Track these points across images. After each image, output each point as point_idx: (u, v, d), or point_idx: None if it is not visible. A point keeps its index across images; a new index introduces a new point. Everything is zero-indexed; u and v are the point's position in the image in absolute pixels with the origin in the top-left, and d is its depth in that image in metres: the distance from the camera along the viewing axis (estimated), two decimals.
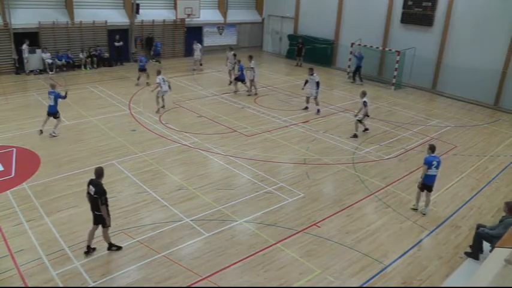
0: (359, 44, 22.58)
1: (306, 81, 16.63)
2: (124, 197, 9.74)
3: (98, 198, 7.35)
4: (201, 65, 23.58)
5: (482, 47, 19.23)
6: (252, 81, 18.66)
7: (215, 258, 7.84)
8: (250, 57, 18.77)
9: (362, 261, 7.98)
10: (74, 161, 11.46)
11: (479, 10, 19.17)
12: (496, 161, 13.04)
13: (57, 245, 7.93)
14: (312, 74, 16.26)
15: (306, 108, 16.97)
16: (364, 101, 14.12)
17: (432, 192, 9.72)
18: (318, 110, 16.61)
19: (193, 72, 22.58)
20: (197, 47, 23.05)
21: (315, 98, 16.49)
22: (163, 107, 16.07)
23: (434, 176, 9.46)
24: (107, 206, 7.45)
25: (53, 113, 13.02)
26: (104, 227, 7.65)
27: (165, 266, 7.54)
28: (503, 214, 8.21)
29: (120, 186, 10.22)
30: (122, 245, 7.98)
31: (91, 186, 7.48)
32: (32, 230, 8.34)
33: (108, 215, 7.52)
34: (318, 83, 16.24)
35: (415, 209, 9.83)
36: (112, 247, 7.88)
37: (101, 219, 7.56)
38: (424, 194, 9.69)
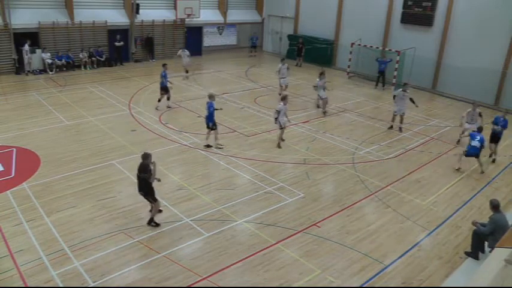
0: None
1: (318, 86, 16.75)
2: (124, 197, 9.73)
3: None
4: (187, 72, 21.32)
5: (482, 47, 19.22)
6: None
7: (215, 258, 7.83)
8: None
9: (362, 261, 7.98)
10: (74, 161, 11.45)
11: (479, 10, 19.17)
12: (496, 161, 13.02)
13: (57, 245, 7.93)
14: (321, 76, 16.51)
15: (321, 109, 17.02)
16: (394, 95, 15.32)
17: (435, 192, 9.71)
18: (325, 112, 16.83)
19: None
20: (184, 53, 21.08)
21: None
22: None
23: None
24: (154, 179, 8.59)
25: (208, 124, 12.56)
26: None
27: (165, 266, 7.54)
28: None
29: (120, 186, 10.21)
30: (159, 223, 8.77)
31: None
32: (32, 230, 8.34)
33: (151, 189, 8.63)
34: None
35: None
36: (151, 222, 8.68)
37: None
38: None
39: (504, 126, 12.72)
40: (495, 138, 12.71)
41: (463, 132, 13.71)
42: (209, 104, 12.49)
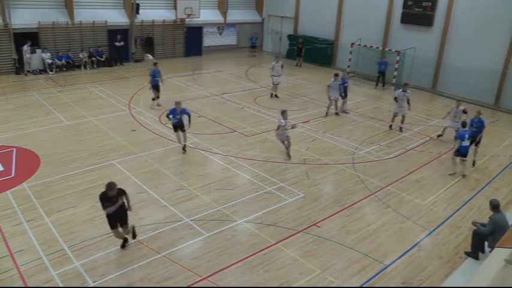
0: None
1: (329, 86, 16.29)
2: None
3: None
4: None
5: (482, 47, 19.22)
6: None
7: (215, 258, 7.84)
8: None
9: (362, 261, 7.98)
10: (74, 161, 11.45)
11: (479, 10, 19.16)
12: (496, 161, 13.03)
13: (57, 245, 7.93)
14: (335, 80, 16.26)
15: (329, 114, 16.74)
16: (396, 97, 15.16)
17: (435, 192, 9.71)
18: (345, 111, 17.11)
19: None
20: (148, 58, 20.51)
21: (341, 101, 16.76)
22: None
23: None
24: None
25: (183, 126, 12.33)
26: None
27: (165, 266, 7.54)
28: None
29: (120, 186, 10.20)
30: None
31: None
32: (32, 230, 8.34)
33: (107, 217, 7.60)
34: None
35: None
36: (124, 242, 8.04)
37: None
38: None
39: (480, 127, 12.20)
40: (474, 140, 12.03)
41: (444, 129, 14.17)
42: (181, 110, 12.25)
